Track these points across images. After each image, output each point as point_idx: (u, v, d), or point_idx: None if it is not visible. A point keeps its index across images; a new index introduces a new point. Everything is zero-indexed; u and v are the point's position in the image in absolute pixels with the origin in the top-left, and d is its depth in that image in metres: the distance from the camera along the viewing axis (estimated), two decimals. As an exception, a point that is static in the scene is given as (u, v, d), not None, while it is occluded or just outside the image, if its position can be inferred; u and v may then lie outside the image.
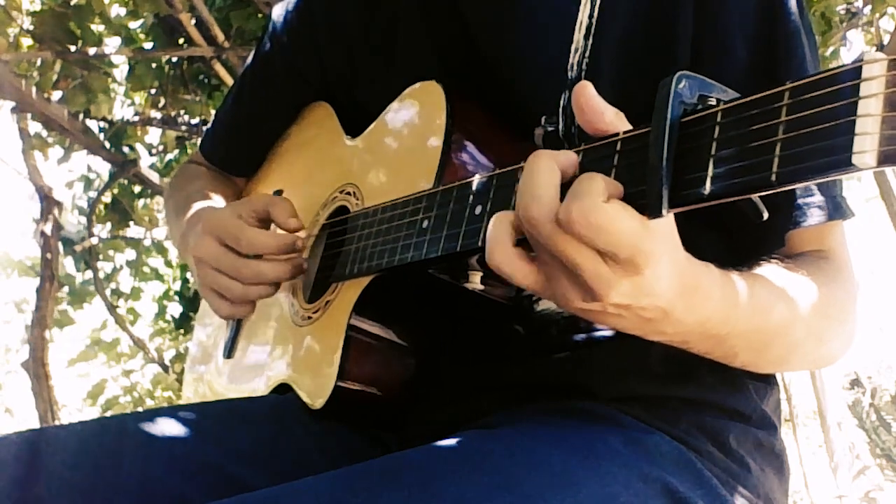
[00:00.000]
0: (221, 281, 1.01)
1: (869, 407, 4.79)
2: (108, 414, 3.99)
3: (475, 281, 0.83)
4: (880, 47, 3.19)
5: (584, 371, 0.89)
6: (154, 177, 3.66)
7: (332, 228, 1.06)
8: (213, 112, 3.31)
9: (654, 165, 0.57)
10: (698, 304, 0.68)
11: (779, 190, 0.52)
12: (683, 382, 0.88)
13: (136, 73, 3.31)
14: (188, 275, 4.05)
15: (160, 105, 3.50)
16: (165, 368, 4.31)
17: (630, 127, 0.63)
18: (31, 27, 3.00)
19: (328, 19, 1.14)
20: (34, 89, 3.05)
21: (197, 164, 1.35)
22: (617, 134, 0.63)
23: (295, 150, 1.25)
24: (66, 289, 3.97)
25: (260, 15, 2.97)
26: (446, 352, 0.96)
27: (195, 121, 3.55)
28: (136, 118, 3.66)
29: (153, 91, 3.47)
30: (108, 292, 4.02)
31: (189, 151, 3.81)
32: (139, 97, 3.68)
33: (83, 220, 3.90)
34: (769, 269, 0.79)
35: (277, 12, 1.22)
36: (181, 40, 3.18)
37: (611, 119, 0.63)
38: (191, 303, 4.03)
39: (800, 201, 0.84)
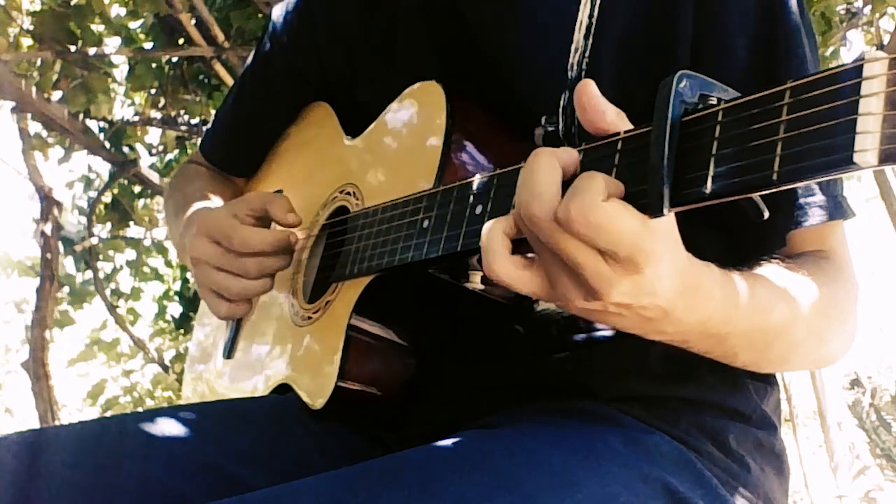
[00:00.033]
0: (219, 280, 1.01)
1: (869, 407, 4.79)
2: (108, 414, 3.99)
3: (475, 281, 0.83)
4: (880, 47, 3.19)
5: (584, 371, 0.89)
6: (154, 177, 3.65)
7: (332, 228, 1.06)
8: (213, 112, 3.31)
9: (655, 165, 0.57)
10: (699, 304, 0.68)
11: (780, 189, 0.52)
12: (683, 382, 0.88)
13: (136, 73, 3.30)
14: (188, 275, 4.05)
15: (160, 105, 3.50)
16: (165, 368, 4.31)
17: (631, 126, 0.63)
18: (31, 27, 3.00)
19: (328, 19, 1.14)
20: (34, 89, 3.05)
21: (197, 165, 1.35)
22: (618, 133, 0.63)
23: (295, 150, 1.25)
24: (66, 289, 3.97)
25: (260, 15, 2.96)
26: (446, 351, 0.96)
27: (195, 121, 3.55)
28: (136, 118, 3.66)
29: (153, 91, 3.47)
30: (108, 292, 4.02)
31: (189, 151, 3.81)
32: (139, 97, 3.68)
33: (83, 220, 3.89)
34: (770, 269, 0.79)
35: (277, 12, 1.22)
36: (181, 40, 3.18)
37: (612, 118, 0.63)
38: (191, 303, 4.03)
39: (801, 201, 0.84)
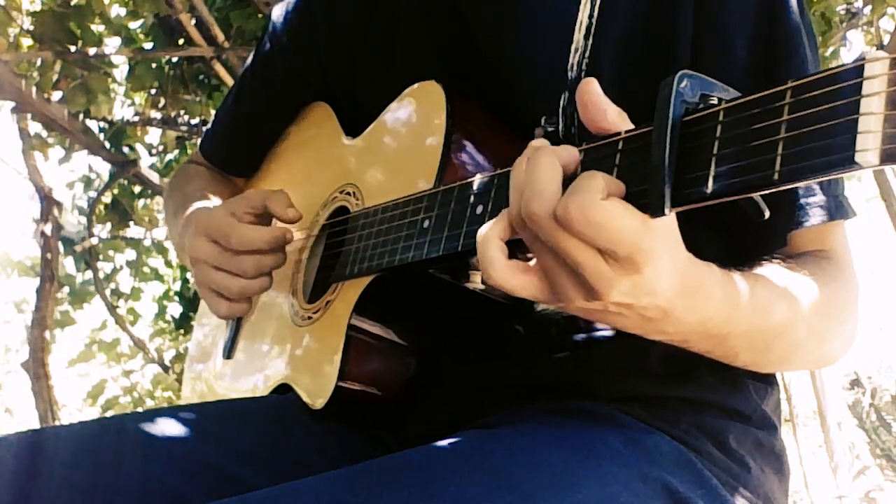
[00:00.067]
0: (218, 279, 1.01)
1: (869, 407, 4.79)
2: (108, 414, 3.99)
3: (476, 280, 0.83)
4: (880, 47, 3.19)
5: (584, 371, 0.89)
6: (154, 177, 3.65)
7: (333, 228, 1.06)
8: (213, 112, 3.31)
9: (656, 164, 0.57)
10: (700, 304, 0.68)
11: (781, 188, 0.52)
12: (683, 382, 0.88)
13: (136, 73, 3.30)
14: (188, 275, 4.04)
15: (160, 105, 3.49)
16: (165, 368, 4.31)
17: (632, 126, 0.63)
18: (31, 27, 3.00)
19: (328, 19, 1.14)
20: (34, 89, 3.04)
21: (196, 164, 1.35)
22: (619, 133, 0.63)
23: (294, 150, 1.25)
24: (66, 289, 3.96)
25: (260, 15, 2.96)
26: (447, 351, 0.96)
27: (195, 121, 3.55)
28: (136, 118, 3.66)
29: (153, 91, 3.46)
30: (108, 292, 4.02)
31: (189, 151, 3.80)
32: (139, 97, 3.68)
33: (83, 220, 3.89)
34: (770, 269, 0.79)
35: (277, 12, 1.22)
36: (181, 40, 3.18)
37: (613, 118, 0.63)
38: (191, 303, 4.03)
39: (801, 201, 0.84)
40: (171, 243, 3.11)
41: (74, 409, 5.13)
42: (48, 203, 3.50)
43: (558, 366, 0.91)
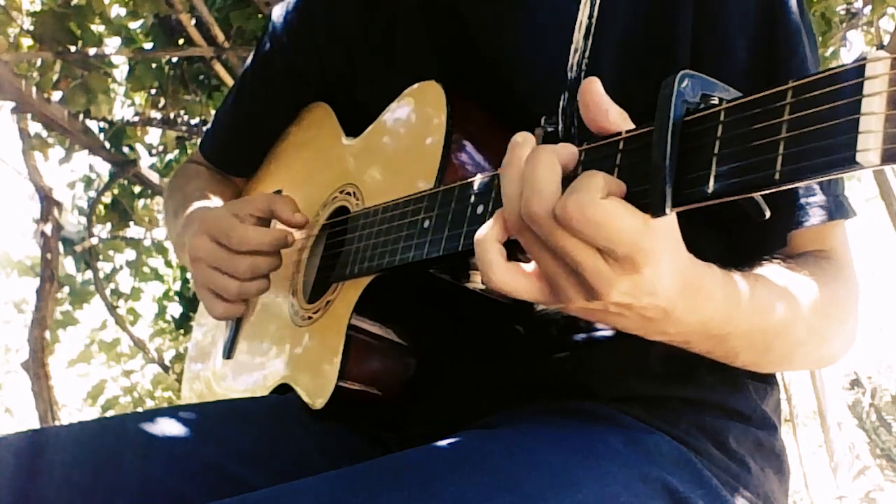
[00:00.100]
0: (217, 279, 1.01)
1: (869, 407, 4.79)
2: (108, 414, 3.99)
3: (476, 280, 0.83)
4: (880, 47, 3.19)
5: (584, 371, 0.89)
6: (154, 177, 3.65)
7: (333, 228, 1.06)
8: (213, 112, 3.31)
9: (657, 164, 0.57)
10: (701, 305, 0.68)
11: (782, 188, 0.52)
12: (683, 382, 0.88)
13: (136, 73, 3.30)
14: (188, 275, 4.04)
15: (160, 105, 3.49)
16: (165, 369, 4.31)
17: (633, 127, 0.63)
18: (31, 27, 2.99)
19: (328, 19, 1.14)
20: (34, 89, 3.04)
21: (196, 164, 1.35)
22: (619, 133, 0.63)
23: (294, 150, 1.25)
24: (66, 289, 3.96)
25: (260, 15, 2.96)
26: (447, 351, 0.96)
27: (195, 121, 3.55)
28: (136, 118, 3.66)
29: (153, 91, 3.46)
30: (108, 292, 4.02)
31: (189, 151, 3.80)
32: (139, 97, 3.68)
33: (83, 220, 3.89)
34: (770, 269, 0.79)
35: (277, 12, 1.22)
36: (181, 40, 3.18)
37: (614, 117, 0.63)
38: (191, 303, 4.03)
39: (802, 201, 0.84)
40: (171, 243, 3.11)
41: (74, 409, 5.13)
42: (48, 203, 3.50)
43: (558, 366, 0.91)
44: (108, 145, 3.50)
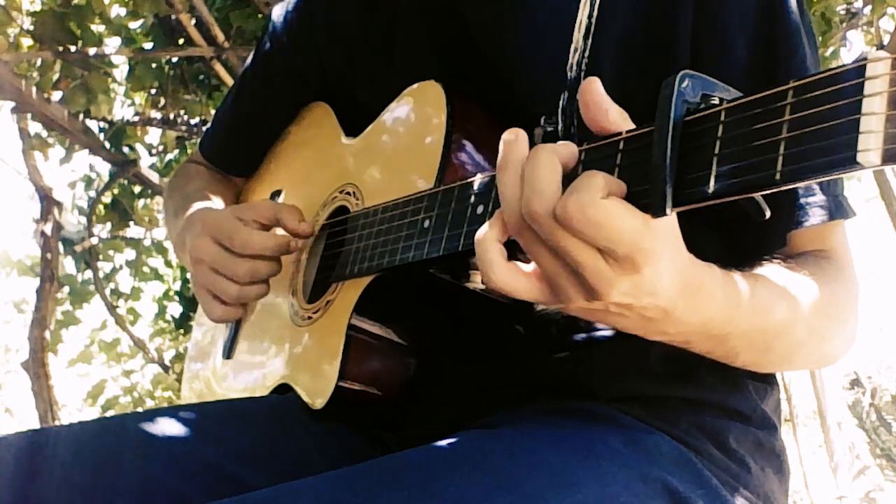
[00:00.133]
0: (217, 281, 1.01)
1: (869, 407, 4.80)
2: (108, 414, 3.98)
3: (476, 280, 0.83)
4: (880, 47, 3.19)
5: (584, 371, 0.89)
6: (154, 177, 3.65)
7: (332, 228, 1.06)
8: (213, 112, 3.31)
9: (657, 164, 0.57)
10: (701, 305, 0.68)
11: (782, 188, 0.52)
12: (683, 382, 0.88)
13: (136, 73, 3.30)
14: (188, 275, 4.04)
15: (160, 105, 3.49)
16: (165, 368, 4.31)
17: (633, 127, 0.63)
18: (31, 27, 3.00)
19: (328, 19, 1.14)
20: (34, 89, 3.04)
21: (196, 164, 1.35)
22: (620, 133, 0.63)
23: (294, 150, 1.25)
24: (66, 289, 3.96)
25: (260, 15, 2.96)
26: (447, 351, 0.96)
27: (195, 121, 3.55)
28: (136, 118, 3.66)
29: (153, 91, 3.47)
30: (108, 292, 4.02)
31: (189, 151, 3.80)
32: (139, 97, 3.68)
33: (83, 220, 3.89)
34: (770, 269, 0.79)
35: (277, 12, 1.22)
36: (181, 40, 3.18)
37: (615, 117, 0.63)
38: (191, 303, 4.03)
39: (801, 201, 0.84)
40: (171, 243, 3.11)
41: (74, 409, 5.13)
42: (48, 203, 3.50)
43: (558, 366, 0.91)
44: (108, 145, 3.50)
